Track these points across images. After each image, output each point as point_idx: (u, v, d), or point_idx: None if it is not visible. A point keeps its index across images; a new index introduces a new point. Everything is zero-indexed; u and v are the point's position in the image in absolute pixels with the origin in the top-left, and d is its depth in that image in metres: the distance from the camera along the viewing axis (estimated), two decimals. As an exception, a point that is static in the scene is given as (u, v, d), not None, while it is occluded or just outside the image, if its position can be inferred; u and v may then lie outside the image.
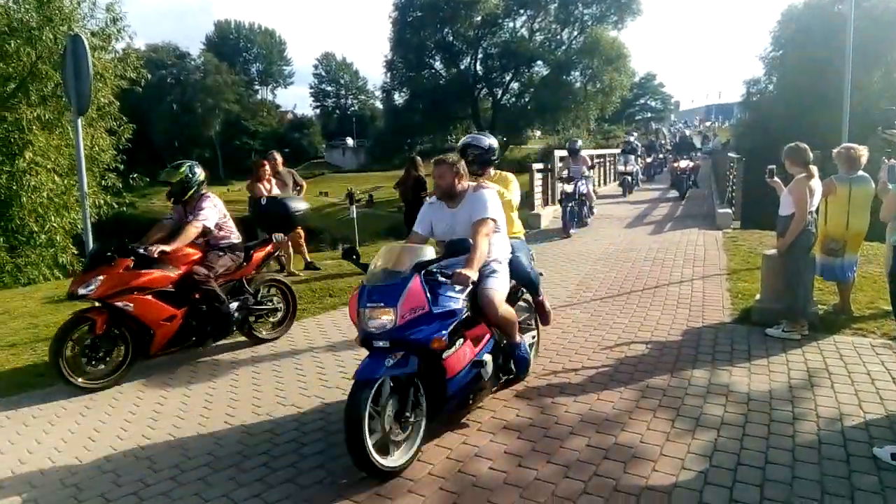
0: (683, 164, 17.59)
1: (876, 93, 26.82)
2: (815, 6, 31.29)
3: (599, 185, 21.01)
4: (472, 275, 3.43)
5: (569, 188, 12.00)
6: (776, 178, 5.62)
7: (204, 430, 4.03)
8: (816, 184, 5.25)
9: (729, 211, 12.18)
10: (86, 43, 6.53)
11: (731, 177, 13.49)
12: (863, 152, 5.65)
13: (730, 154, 16.10)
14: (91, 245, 6.74)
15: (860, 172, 5.66)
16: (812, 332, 5.27)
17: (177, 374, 5.19)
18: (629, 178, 20.23)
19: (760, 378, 4.43)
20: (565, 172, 12.64)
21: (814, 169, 5.22)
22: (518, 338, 3.99)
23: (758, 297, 5.88)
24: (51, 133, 12.93)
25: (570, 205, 11.87)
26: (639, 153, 24.00)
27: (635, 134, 30.01)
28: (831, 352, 4.89)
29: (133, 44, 17.01)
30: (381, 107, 74.25)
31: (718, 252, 9.19)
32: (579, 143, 13.95)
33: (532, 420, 3.91)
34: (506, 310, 3.82)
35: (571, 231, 11.65)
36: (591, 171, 13.46)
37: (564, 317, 6.27)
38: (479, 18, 44.95)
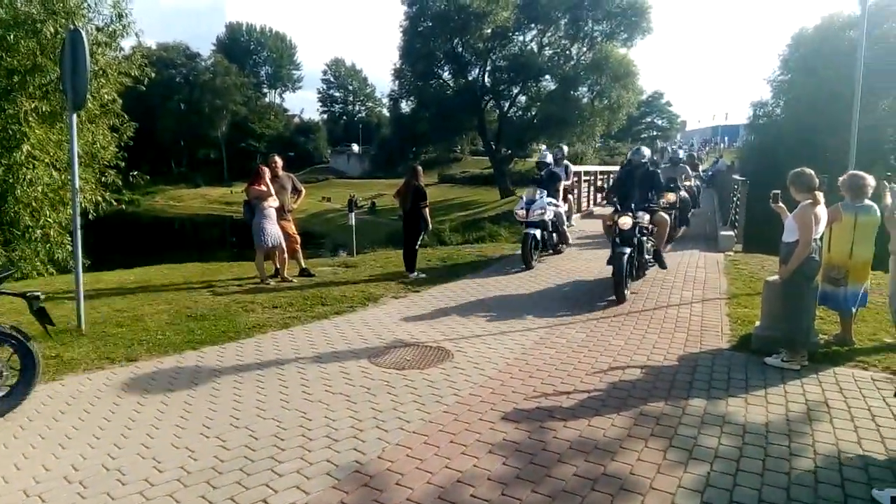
0: (625, 221, 7.83)
1: (884, 119, 26.74)
2: (827, 31, 31.27)
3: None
4: None
5: None
6: (780, 204, 5.50)
7: (178, 442, 3.88)
8: (822, 211, 5.11)
9: (731, 233, 12.03)
10: (85, 38, 6.42)
11: (735, 199, 13.35)
12: (870, 181, 5.53)
13: (734, 176, 15.90)
14: (79, 240, 6.62)
15: (866, 201, 5.53)
16: (812, 363, 5.13)
17: (156, 380, 5.05)
18: (537, 233, 10.17)
19: (757, 409, 4.28)
20: None
21: (819, 195, 5.09)
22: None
23: (757, 323, 5.74)
24: (51, 127, 12.80)
25: None
26: (560, 185, 11.91)
27: (564, 147, 15.47)
28: (831, 384, 4.74)
29: (143, 42, 16.88)
30: (387, 114, 74.43)
31: (719, 275, 9.04)
32: None
33: (519, 445, 3.76)
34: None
35: None
36: None
37: (559, 336, 6.13)
38: (489, 31, 44.83)
